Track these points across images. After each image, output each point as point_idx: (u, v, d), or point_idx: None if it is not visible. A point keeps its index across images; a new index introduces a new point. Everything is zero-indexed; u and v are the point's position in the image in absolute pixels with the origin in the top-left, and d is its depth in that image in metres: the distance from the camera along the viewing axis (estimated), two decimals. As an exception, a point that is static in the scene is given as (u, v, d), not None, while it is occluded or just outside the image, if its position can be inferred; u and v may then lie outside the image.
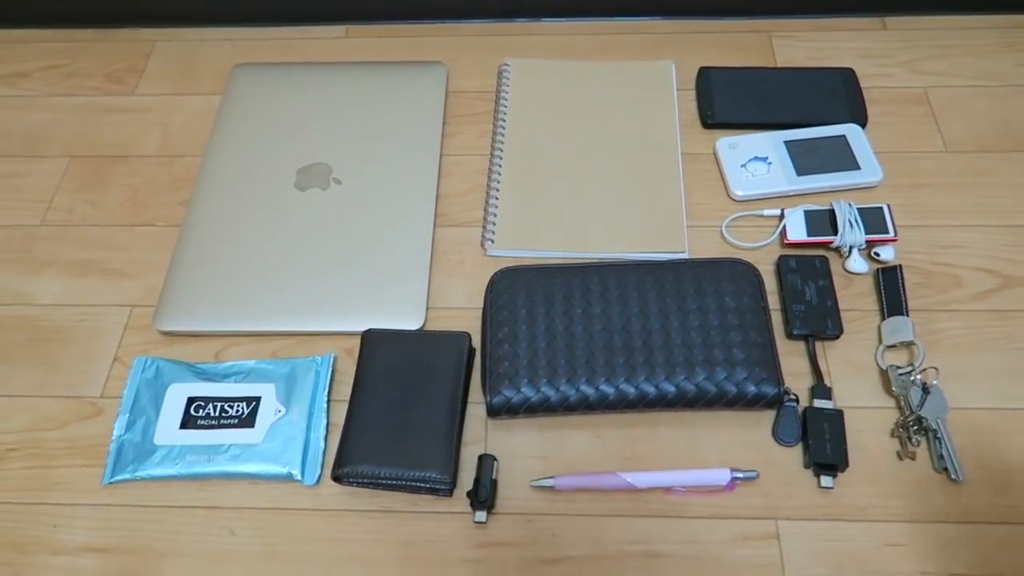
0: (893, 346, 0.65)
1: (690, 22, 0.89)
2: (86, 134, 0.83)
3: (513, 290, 0.66)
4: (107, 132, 0.83)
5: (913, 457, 0.60)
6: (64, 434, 0.64)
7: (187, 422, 0.63)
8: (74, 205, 0.78)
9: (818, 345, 0.66)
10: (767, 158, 0.76)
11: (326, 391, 0.64)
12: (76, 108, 0.85)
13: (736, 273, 0.66)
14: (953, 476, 0.59)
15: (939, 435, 0.60)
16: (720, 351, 0.62)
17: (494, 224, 0.73)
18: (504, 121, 0.80)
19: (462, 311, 0.69)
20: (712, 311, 0.64)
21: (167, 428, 0.62)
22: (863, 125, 0.78)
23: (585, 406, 0.61)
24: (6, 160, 0.81)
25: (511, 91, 0.83)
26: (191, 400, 0.63)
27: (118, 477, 0.61)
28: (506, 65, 0.85)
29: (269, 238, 0.72)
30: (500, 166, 0.77)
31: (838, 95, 0.80)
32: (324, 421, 0.63)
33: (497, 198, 0.75)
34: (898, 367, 0.63)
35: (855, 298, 0.68)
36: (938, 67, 0.84)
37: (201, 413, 0.63)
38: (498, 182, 0.76)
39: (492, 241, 0.72)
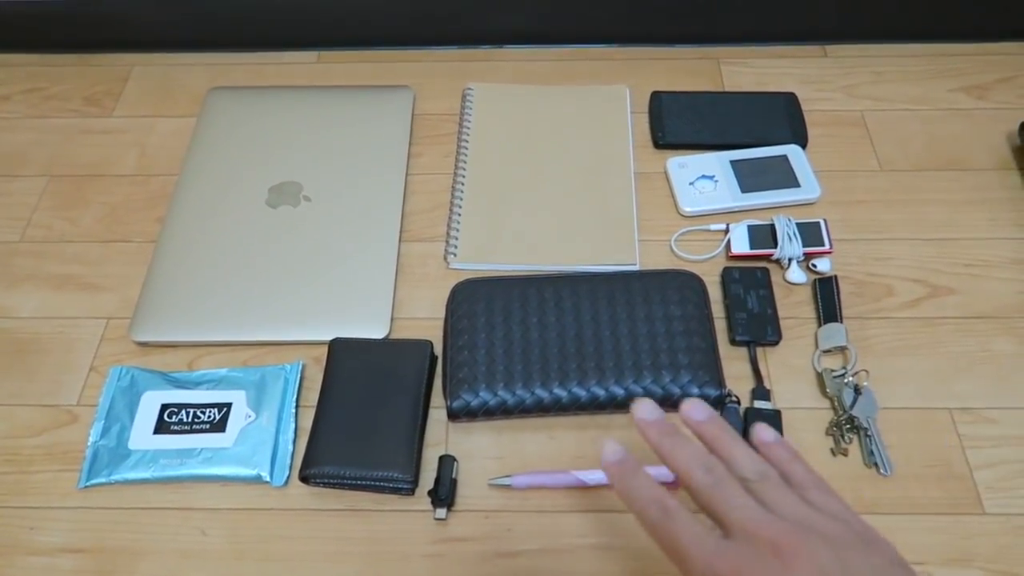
0: (828, 351, 0.70)
1: (644, 49, 0.95)
2: (65, 154, 0.86)
3: (473, 300, 0.70)
4: (85, 152, 0.86)
5: (846, 454, 0.64)
6: (41, 441, 0.66)
7: (161, 428, 0.65)
8: (52, 222, 0.81)
9: (759, 351, 0.70)
10: (714, 176, 0.81)
11: (295, 397, 0.67)
12: (55, 129, 0.89)
13: (682, 283, 0.70)
14: (882, 471, 0.63)
15: (869, 433, 0.64)
16: (666, 356, 0.66)
17: (456, 239, 0.77)
18: (467, 142, 0.85)
19: (425, 321, 0.73)
20: (659, 319, 0.68)
21: (141, 433, 0.65)
22: (804, 146, 0.83)
23: (540, 408, 0.65)
24: (-14, 179, 0.84)
25: (474, 114, 0.87)
26: (164, 407, 0.66)
27: (93, 481, 0.64)
28: (469, 89, 0.90)
29: (242, 252, 0.75)
30: (463, 184, 0.81)
31: (781, 118, 0.86)
32: (292, 425, 0.66)
33: (460, 215, 0.79)
34: (832, 370, 0.68)
35: (794, 307, 0.73)
36: (874, 92, 0.90)
37: (174, 419, 0.66)
38: (460, 199, 0.80)
39: (454, 255, 0.76)
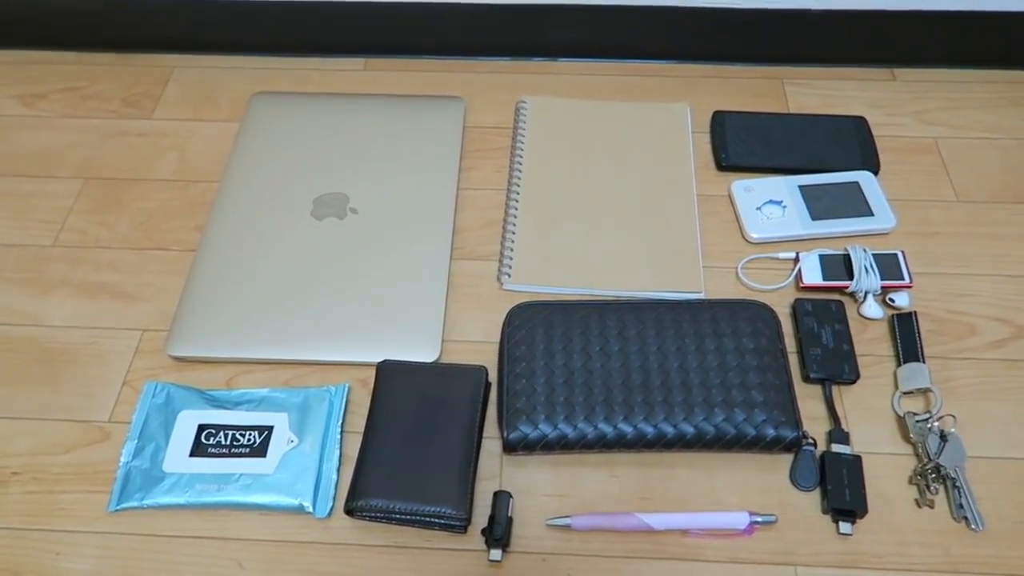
0: (910, 392, 0.65)
1: (704, 66, 0.91)
2: (101, 156, 0.83)
3: (531, 325, 0.66)
4: (123, 155, 0.83)
5: (932, 505, 0.60)
6: (70, 459, 0.63)
7: (197, 450, 0.61)
8: (87, 227, 0.77)
9: (834, 389, 0.66)
10: (782, 202, 0.77)
11: (340, 422, 0.63)
12: (92, 130, 0.85)
13: (753, 315, 0.66)
14: (973, 526, 0.58)
15: (958, 483, 0.60)
16: (739, 392, 0.62)
17: (511, 259, 0.73)
18: (521, 157, 0.81)
19: (478, 344, 0.69)
20: (730, 352, 0.64)
21: (177, 455, 0.61)
22: (875, 172, 0.79)
23: (603, 444, 0.61)
24: (21, 180, 0.81)
25: (528, 127, 0.83)
26: (202, 427, 0.62)
27: (124, 504, 0.60)
28: (523, 102, 0.86)
29: (284, 265, 0.72)
30: (517, 201, 0.77)
31: (850, 142, 0.82)
32: (337, 452, 0.62)
33: (514, 233, 0.75)
34: (915, 414, 0.63)
35: (870, 343, 0.68)
36: (947, 119, 0.85)
37: (212, 441, 0.62)
38: (515, 217, 0.76)
39: (509, 275, 0.72)
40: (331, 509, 0.60)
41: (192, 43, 0.92)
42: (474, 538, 0.58)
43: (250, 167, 0.79)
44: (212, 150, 0.84)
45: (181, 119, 0.87)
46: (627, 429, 0.60)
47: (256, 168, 0.79)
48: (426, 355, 0.67)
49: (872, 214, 0.75)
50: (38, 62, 0.92)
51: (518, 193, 0.78)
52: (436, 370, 0.65)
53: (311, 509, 0.59)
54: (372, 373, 0.65)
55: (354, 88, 0.89)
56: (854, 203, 0.76)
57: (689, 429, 0.60)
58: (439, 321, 0.69)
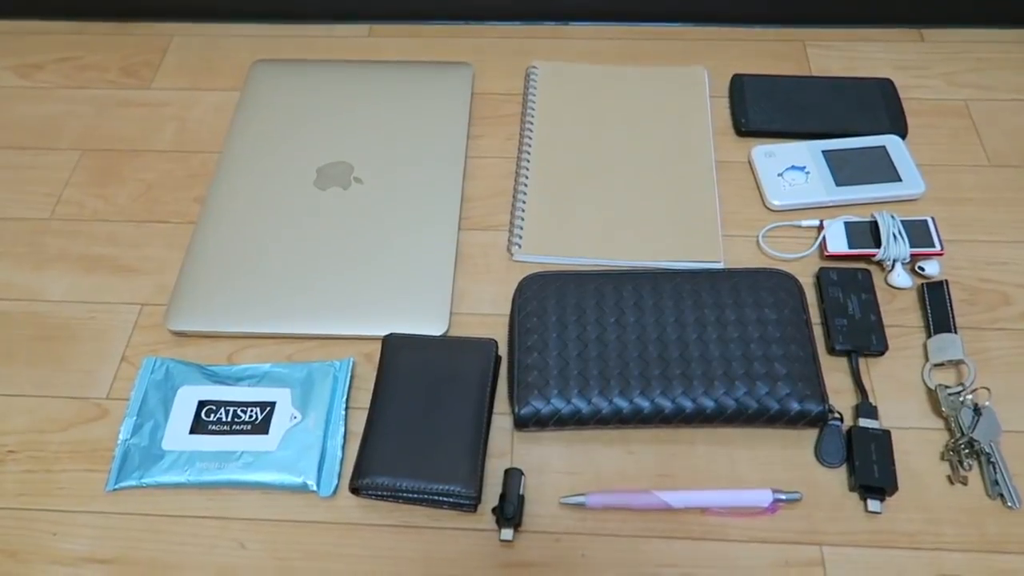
0: (941, 364, 0.62)
1: (720, 29, 0.87)
2: (99, 127, 0.81)
3: (543, 296, 0.63)
4: (121, 126, 0.81)
5: (965, 482, 0.57)
6: (67, 437, 0.61)
7: (197, 427, 0.59)
8: (85, 199, 0.75)
9: (861, 362, 0.63)
10: (805, 167, 0.73)
11: (344, 397, 0.61)
12: (90, 101, 0.83)
13: (776, 284, 0.63)
14: (1009, 503, 0.55)
15: (993, 459, 0.57)
16: (761, 365, 0.59)
17: (521, 228, 0.70)
18: (532, 124, 0.78)
19: (487, 317, 0.66)
20: (752, 323, 0.61)
21: (176, 433, 0.59)
22: (903, 136, 0.76)
23: (618, 420, 0.58)
24: (17, 152, 0.79)
25: (539, 94, 0.80)
26: (202, 404, 0.60)
27: (123, 483, 0.58)
28: (534, 68, 0.83)
29: (287, 237, 0.69)
30: (527, 169, 0.74)
31: (876, 105, 0.78)
32: (342, 429, 0.60)
33: (524, 202, 0.72)
34: (947, 386, 0.60)
35: (898, 314, 0.65)
36: (977, 80, 0.81)
37: (212, 418, 0.60)
38: (525, 185, 0.73)
39: (519, 246, 0.69)
40: (336, 487, 0.57)
41: (192, 10, 0.89)
42: (485, 517, 0.56)
43: (251, 137, 0.77)
44: (212, 120, 0.81)
45: (181, 88, 0.84)
46: (644, 404, 0.58)
47: (257, 138, 0.76)
48: (434, 328, 0.64)
49: (900, 179, 0.72)
50: (34, 32, 0.89)
51: (528, 161, 0.75)
52: (444, 343, 0.62)
53: (315, 487, 0.57)
54: (378, 347, 0.63)
55: (359, 55, 0.86)
56: (881, 168, 0.73)
57: (709, 403, 0.57)
58: (447, 293, 0.66)
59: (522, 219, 0.71)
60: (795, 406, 0.57)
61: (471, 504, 0.56)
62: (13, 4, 0.89)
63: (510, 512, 0.55)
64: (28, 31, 0.90)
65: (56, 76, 0.85)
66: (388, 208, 0.71)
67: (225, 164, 0.74)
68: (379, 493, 0.56)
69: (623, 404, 0.58)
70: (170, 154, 0.78)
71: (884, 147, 0.74)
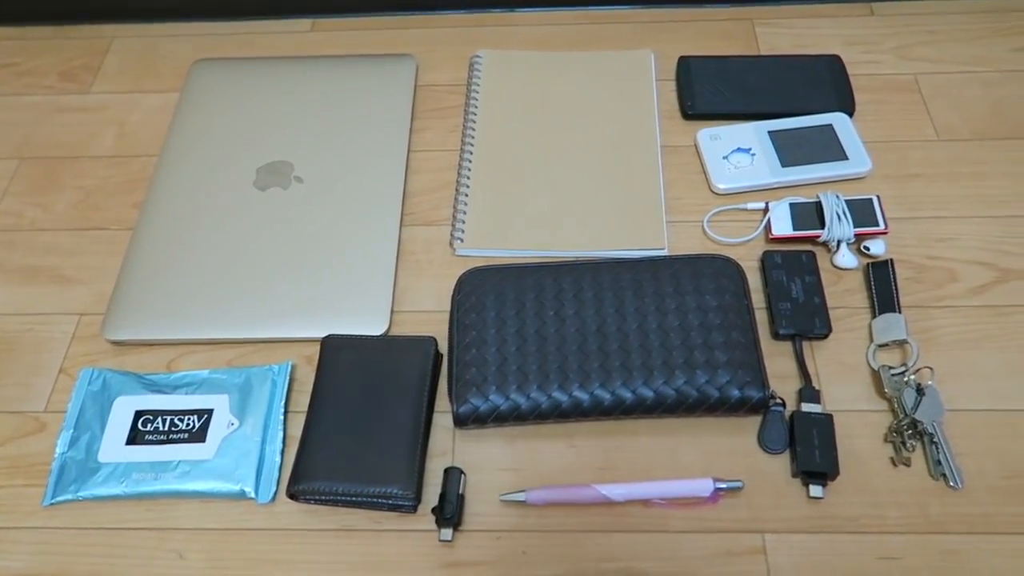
0: (885, 345, 0.61)
1: (669, 10, 0.86)
2: (38, 135, 0.79)
3: (482, 291, 0.62)
4: (60, 132, 0.79)
5: (908, 464, 0.56)
6: (4, 452, 0.60)
7: (135, 438, 0.59)
8: (23, 209, 0.74)
9: (805, 345, 0.62)
10: (750, 149, 0.72)
11: (283, 402, 0.60)
12: (28, 108, 0.82)
13: (717, 270, 0.62)
14: (951, 483, 0.55)
15: (935, 439, 0.56)
16: (701, 353, 0.58)
17: (463, 222, 0.69)
18: (475, 115, 0.77)
19: (430, 314, 0.65)
20: (692, 310, 0.60)
21: (113, 444, 0.58)
22: (851, 114, 0.75)
23: (558, 414, 0.57)
24: (-48, 163, 0.77)
25: (482, 83, 0.79)
26: (139, 414, 0.60)
27: (59, 498, 0.57)
28: (478, 57, 0.81)
29: (226, 240, 0.68)
30: (470, 162, 0.73)
31: (824, 83, 0.77)
32: (280, 434, 0.59)
33: (467, 195, 0.71)
34: (890, 367, 0.60)
35: (844, 295, 0.65)
36: (928, 53, 0.80)
37: (150, 427, 0.59)
38: (468, 178, 0.72)
39: (461, 240, 0.68)
40: (275, 493, 0.57)
41: (131, 11, 0.88)
42: (425, 518, 0.56)
43: (191, 138, 0.75)
44: (153, 123, 0.80)
45: (120, 91, 0.82)
46: (583, 396, 0.57)
47: (196, 139, 0.75)
48: (374, 328, 0.63)
49: (846, 158, 0.71)
50: (-30, 39, 0.88)
51: (471, 153, 0.74)
52: (383, 343, 0.61)
53: (253, 494, 0.56)
54: (317, 349, 0.62)
55: (301, 51, 0.85)
56: (827, 147, 0.72)
57: (648, 393, 0.57)
58: (388, 291, 0.65)
59: (464, 212, 0.70)
60: (735, 393, 0.57)
61: (410, 505, 0.55)
62: (-52, 11, 0.88)
63: (449, 512, 0.55)
64: (-35, 38, 0.88)
65: (-7, 83, 0.84)
66: (329, 207, 0.70)
67: (164, 167, 0.73)
68: (318, 497, 0.55)
69: (562, 398, 0.57)
70: (110, 159, 0.77)
71: (831, 125, 0.73)
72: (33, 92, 0.83)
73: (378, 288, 0.65)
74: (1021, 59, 0.79)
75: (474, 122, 0.76)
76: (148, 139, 0.78)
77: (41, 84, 0.84)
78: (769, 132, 0.73)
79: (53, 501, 0.57)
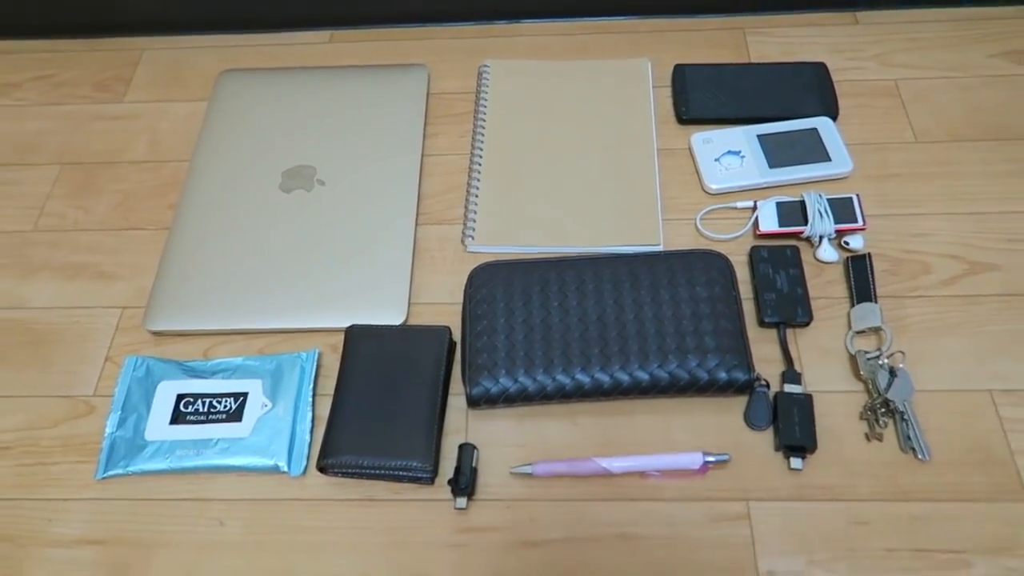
0: (862, 332, 0.67)
1: (666, 20, 0.91)
2: (76, 142, 0.85)
3: (491, 284, 0.68)
4: (96, 139, 0.85)
5: (880, 439, 0.62)
6: (58, 432, 0.66)
7: (177, 418, 0.64)
8: (65, 211, 0.80)
9: (789, 332, 0.67)
10: (740, 152, 0.78)
11: (311, 385, 0.66)
12: (66, 116, 0.87)
13: (708, 263, 0.68)
14: (920, 456, 0.60)
15: (906, 417, 0.62)
16: (692, 339, 0.64)
17: (474, 221, 0.75)
18: (484, 121, 0.82)
19: (444, 306, 0.71)
20: (684, 300, 0.66)
21: (157, 424, 0.64)
22: (834, 118, 0.80)
23: (562, 395, 0.63)
24: (-1, 168, 0.84)
25: (491, 91, 0.85)
26: (180, 397, 0.65)
27: (110, 472, 0.63)
28: (486, 66, 0.87)
29: (255, 238, 0.74)
30: (480, 165, 0.79)
31: (810, 89, 0.82)
32: (309, 414, 0.65)
33: (477, 196, 0.77)
34: (866, 352, 0.65)
35: (826, 286, 0.70)
36: (908, 60, 0.86)
37: (190, 409, 0.65)
38: (478, 180, 0.78)
39: (472, 238, 0.74)
40: (305, 468, 0.63)
41: (160, 24, 0.94)
42: (442, 489, 0.61)
43: (219, 144, 0.81)
44: (183, 130, 0.85)
45: (152, 100, 0.88)
46: (584, 379, 0.63)
47: (225, 145, 0.81)
48: (393, 318, 0.69)
49: (830, 159, 0.76)
50: (8, 51, 0.94)
51: (481, 156, 0.79)
52: (402, 332, 0.67)
53: (286, 468, 0.62)
54: (342, 338, 0.68)
55: (320, 61, 0.91)
56: (812, 149, 0.77)
57: (644, 376, 0.62)
58: (405, 285, 0.71)
59: (475, 212, 0.75)
60: (723, 376, 0.62)
61: (428, 477, 0.61)
62: (-11, 26, 0.94)
63: (464, 483, 0.60)
64: (3, 50, 0.94)
65: (32, 94, 0.90)
66: (350, 208, 0.76)
67: (195, 172, 0.79)
68: (344, 470, 0.61)
69: (566, 380, 0.63)
70: (144, 164, 0.83)
71: (816, 129, 0.79)
72: (69, 102, 0.89)
73: (396, 282, 0.71)
74: (996, 65, 0.84)
75: (483, 128, 0.82)
76: (179, 145, 0.84)
77: (76, 94, 0.90)
78: (758, 136, 0.79)
79: (105, 475, 0.63)
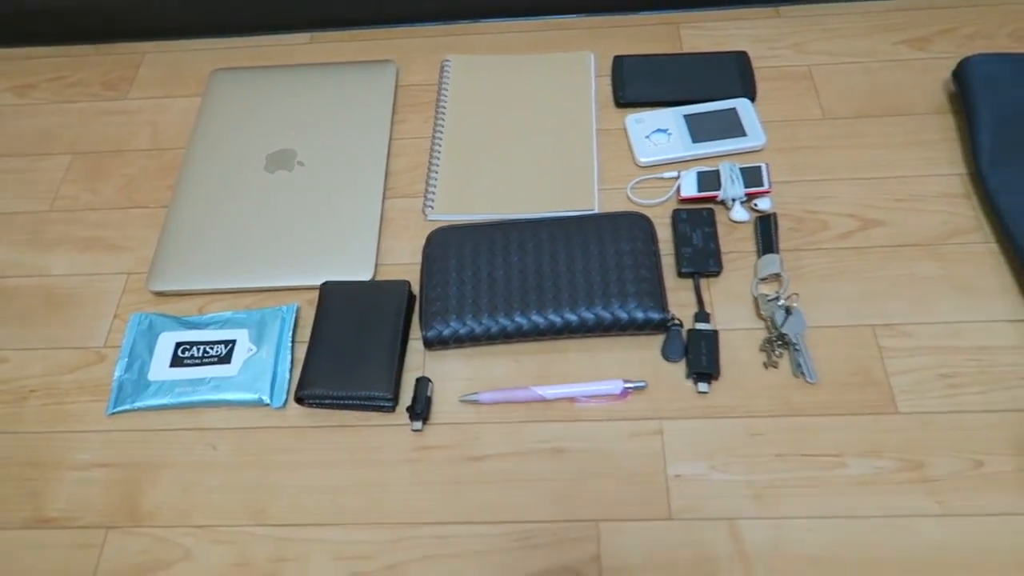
0: (765, 279, 0.77)
1: (608, 18, 1.02)
2: (86, 134, 0.96)
3: (446, 245, 0.79)
4: (104, 131, 0.97)
5: (776, 366, 0.72)
6: (74, 376, 0.77)
7: (176, 362, 0.75)
8: (78, 193, 0.91)
9: (703, 281, 0.78)
10: (668, 130, 0.88)
11: (291, 333, 0.77)
12: (77, 112, 0.99)
13: (632, 223, 0.78)
14: (808, 379, 0.71)
15: (797, 347, 0.72)
16: (615, 286, 0.74)
17: (433, 194, 0.86)
18: (444, 108, 0.93)
19: (406, 266, 0.82)
20: (610, 254, 0.76)
21: (159, 367, 0.75)
22: (753, 99, 0.91)
23: (504, 336, 0.74)
24: (19, 158, 0.95)
25: (451, 83, 0.96)
26: (178, 344, 0.76)
27: (119, 408, 0.74)
28: (447, 61, 0.98)
29: (243, 212, 0.85)
30: (440, 146, 0.90)
31: (733, 74, 0.93)
32: (289, 357, 0.76)
33: (436, 172, 0.87)
34: (767, 295, 0.75)
35: (737, 242, 0.81)
36: (822, 47, 0.96)
37: (187, 354, 0.76)
38: (438, 159, 0.89)
39: (432, 208, 0.85)
40: (285, 400, 0.73)
41: (160, 30, 1.05)
42: (401, 416, 0.72)
43: (211, 133, 0.92)
44: (180, 121, 0.97)
45: (153, 97, 1.00)
46: (523, 321, 0.73)
47: (216, 133, 0.92)
48: (362, 276, 0.80)
49: (745, 134, 0.87)
50: (26, 57, 1.05)
51: (441, 139, 0.90)
52: (368, 286, 0.78)
53: (269, 401, 0.73)
54: (318, 295, 0.78)
55: (301, 59, 1.02)
56: (731, 126, 0.88)
57: (573, 318, 0.73)
58: (373, 248, 0.82)
59: (435, 186, 0.86)
60: (641, 315, 0.73)
61: (390, 405, 0.71)
62: (7, 34, 1.05)
63: (419, 409, 0.71)
64: (21, 57, 1.05)
65: (47, 93, 1.01)
66: (325, 184, 0.87)
67: (191, 157, 0.90)
68: (318, 401, 0.72)
69: (507, 323, 0.73)
70: (146, 152, 0.94)
71: (735, 109, 0.89)
72: (80, 100, 1.00)
73: (365, 246, 0.82)
74: (899, 51, 0.95)
75: (443, 114, 0.93)
76: (177, 135, 0.95)
77: (86, 92, 1.01)
78: (684, 115, 0.89)
79: (115, 410, 0.74)
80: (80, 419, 0.74)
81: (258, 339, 0.76)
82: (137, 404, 0.74)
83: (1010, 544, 0.63)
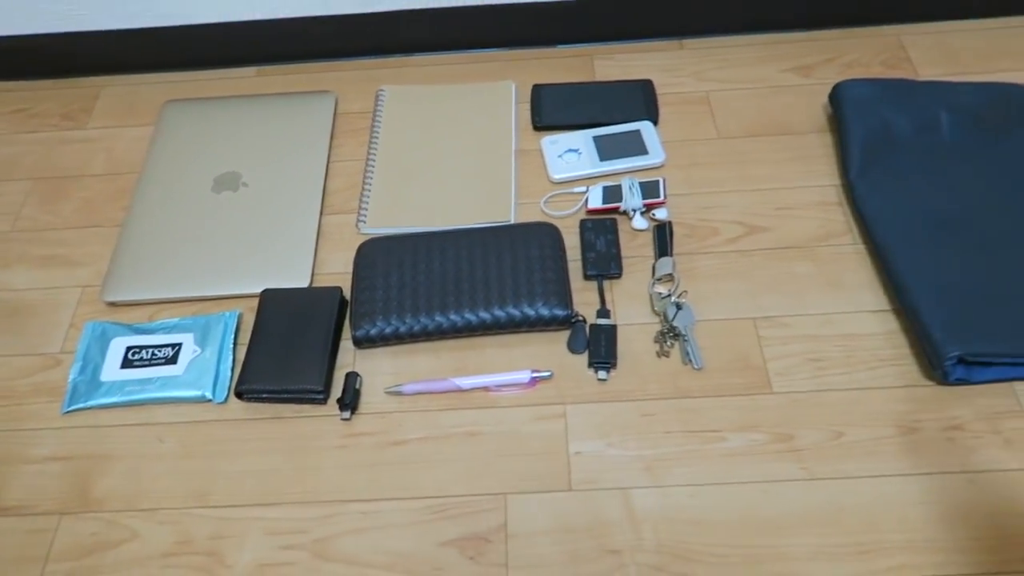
0: (660, 279, 0.87)
1: (529, 51, 1.13)
2: (47, 161, 1.04)
3: (374, 254, 0.87)
4: (64, 158, 1.04)
5: (668, 355, 0.81)
6: (32, 380, 0.84)
7: (126, 364, 0.82)
8: (38, 215, 0.98)
9: (606, 283, 0.87)
10: (578, 149, 0.98)
11: (233, 336, 0.84)
12: (39, 142, 1.06)
13: (541, 232, 0.87)
14: (695, 366, 0.80)
15: (686, 338, 0.81)
16: (525, 287, 0.83)
17: (366, 209, 0.94)
18: (378, 133, 1.02)
19: (340, 275, 0.90)
20: (521, 260, 0.85)
21: (111, 369, 0.82)
22: (655, 122, 1.01)
23: (425, 334, 0.82)
24: (-18, 184, 1.02)
25: (385, 110, 1.05)
26: (129, 348, 0.83)
27: (74, 406, 0.81)
28: (382, 91, 1.07)
29: (191, 228, 0.93)
30: (373, 166, 0.99)
31: (637, 100, 1.03)
32: (231, 358, 0.83)
33: (369, 190, 0.96)
34: (661, 293, 0.85)
35: (638, 248, 0.90)
36: (719, 75, 1.07)
37: (136, 357, 0.83)
38: (371, 178, 0.97)
39: (364, 222, 0.93)
40: (227, 396, 0.81)
41: (116, 65, 1.13)
42: (333, 408, 0.80)
43: (163, 158, 1.00)
44: (134, 149, 1.05)
45: (109, 127, 1.08)
46: (443, 320, 0.82)
47: (168, 159, 1.00)
48: (299, 284, 0.88)
49: (647, 153, 0.97)
50: (-10, 91, 1.13)
51: (374, 160, 0.99)
52: (304, 292, 0.86)
53: (211, 397, 0.80)
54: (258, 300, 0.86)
55: (248, 91, 1.11)
56: (634, 146, 0.98)
57: (487, 316, 0.82)
58: (310, 260, 0.90)
59: (367, 202, 0.95)
60: (547, 313, 0.82)
61: (322, 398, 0.79)
62: (-28, 71, 1.13)
63: (348, 400, 0.79)
64: (-14, 91, 1.13)
65: (10, 124, 1.09)
66: (268, 203, 0.95)
67: (144, 180, 0.98)
68: (257, 395, 0.79)
69: (428, 322, 0.82)
70: (103, 176, 1.02)
71: (639, 130, 0.99)
72: (41, 130, 1.08)
73: (302, 258, 0.90)
74: (786, 77, 1.06)
75: (377, 139, 1.02)
76: (131, 161, 1.03)
77: (47, 124, 1.09)
78: (593, 137, 0.99)
79: (69, 409, 0.81)
80: (37, 418, 0.81)
81: (203, 341, 0.84)
82: (90, 403, 0.80)
83: (866, 502, 0.72)
